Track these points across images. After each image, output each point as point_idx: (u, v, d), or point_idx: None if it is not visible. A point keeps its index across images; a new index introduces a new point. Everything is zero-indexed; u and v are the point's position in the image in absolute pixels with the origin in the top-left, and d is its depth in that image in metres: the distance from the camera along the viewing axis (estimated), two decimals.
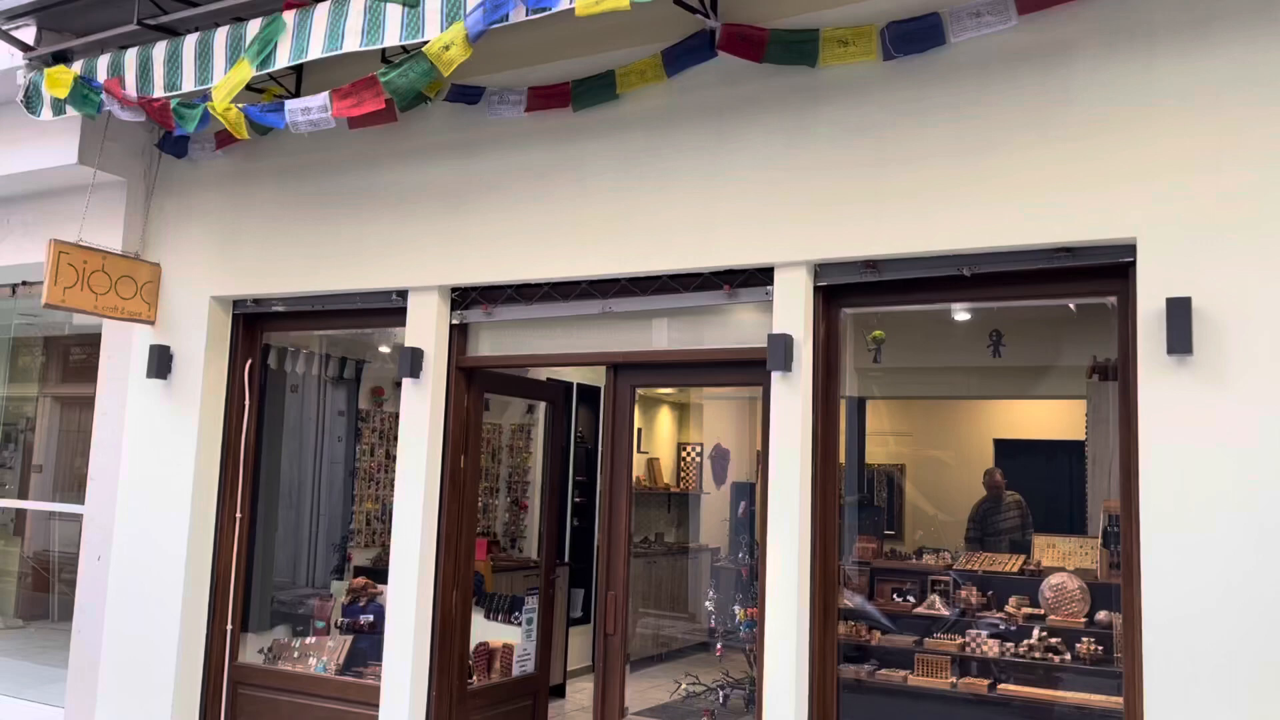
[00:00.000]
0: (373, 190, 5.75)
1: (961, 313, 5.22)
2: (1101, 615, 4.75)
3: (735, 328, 4.98)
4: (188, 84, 4.97)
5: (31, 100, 5.59)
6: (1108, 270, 4.11)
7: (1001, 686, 4.66)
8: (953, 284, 4.42)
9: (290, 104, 4.74)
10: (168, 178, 6.50)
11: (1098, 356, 5.27)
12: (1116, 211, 3.97)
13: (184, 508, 6.09)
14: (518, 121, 5.29)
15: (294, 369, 6.80)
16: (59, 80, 5.37)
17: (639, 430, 7.45)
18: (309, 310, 6.14)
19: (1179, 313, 3.76)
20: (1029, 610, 4.93)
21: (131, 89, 5.15)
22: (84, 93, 5.29)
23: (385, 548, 6.71)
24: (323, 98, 4.67)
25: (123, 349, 6.52)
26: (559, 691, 7.67)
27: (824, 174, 4.55)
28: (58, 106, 5.47)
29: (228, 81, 4.72)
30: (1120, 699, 4.03)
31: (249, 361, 6.36)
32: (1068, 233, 4.04)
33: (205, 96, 5.00)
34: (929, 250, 4.32)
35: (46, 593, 7.90)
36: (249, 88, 5.26)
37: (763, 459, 4.68)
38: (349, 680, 5.86)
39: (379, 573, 6.54)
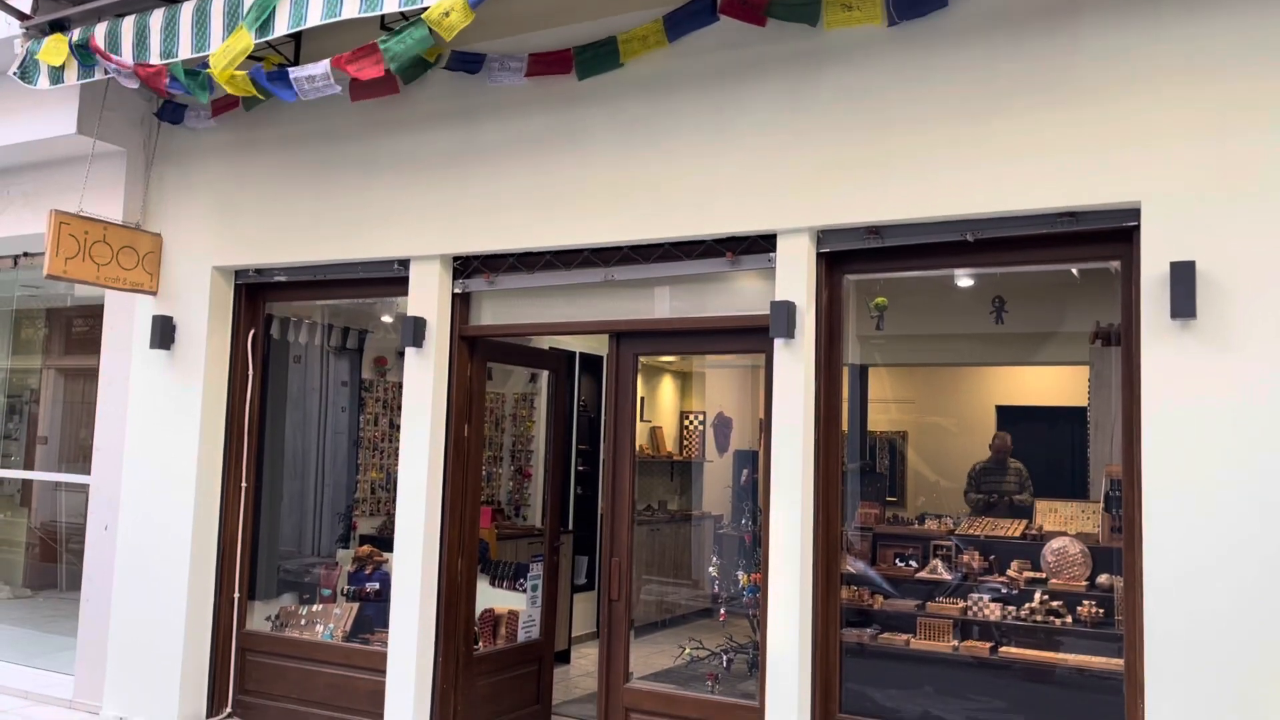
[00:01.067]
0: (373, 158, 5.73)
1: (964, 279, 5.21)
2: (1103, 579, 4.78)
3: (738, 295, 4.97)
4: (184, 51, 4.93)
5: (28, 70, 5.56)
6: (1112, 235, 4.10)
7: (1003, 649, 4.70)
8: (956, 249, 4.41)
9: (294, 72, 4.72)
10: (167, 147, 6.48)
11: (1101, 322, 5.26)
12: (1121, 176, 3.95)
13: (189, 477, 6.12)
14: (518, 89, 5.25)
15: (297, 339, 6.81)
16: (56, 49, 5.33)
17: (641, 399, 7.47)
18: (311, 280, 6.13)
19: (1183, 277, 3.75)
20: (1030, 574, 4.96)
21: (128, 56, 5.11)
22: (81, 57, 5.26)
23: (390, 516, 6.75)
24: (324, 65, 4.64)
25: (125, 320, 6.53)
26: (564, 657, 7.73)
27: (827, 139, 4.53)
28: (54, 75, 5.44)
29: (227, 51, 4.68)
30: (1121, 661, 4.06)
31: (252, 331, 6.37)
32: (1072, 197, 4.03)
33: (204, 64, 4.96)
34: (932, 216, 4.30)
35: (54, 563, 7.96)
36: (248, 56, 5.22)
37: (765, 427, 4.69)
38: (356, 647, 5.92)
39: (384, 541, 6.58)
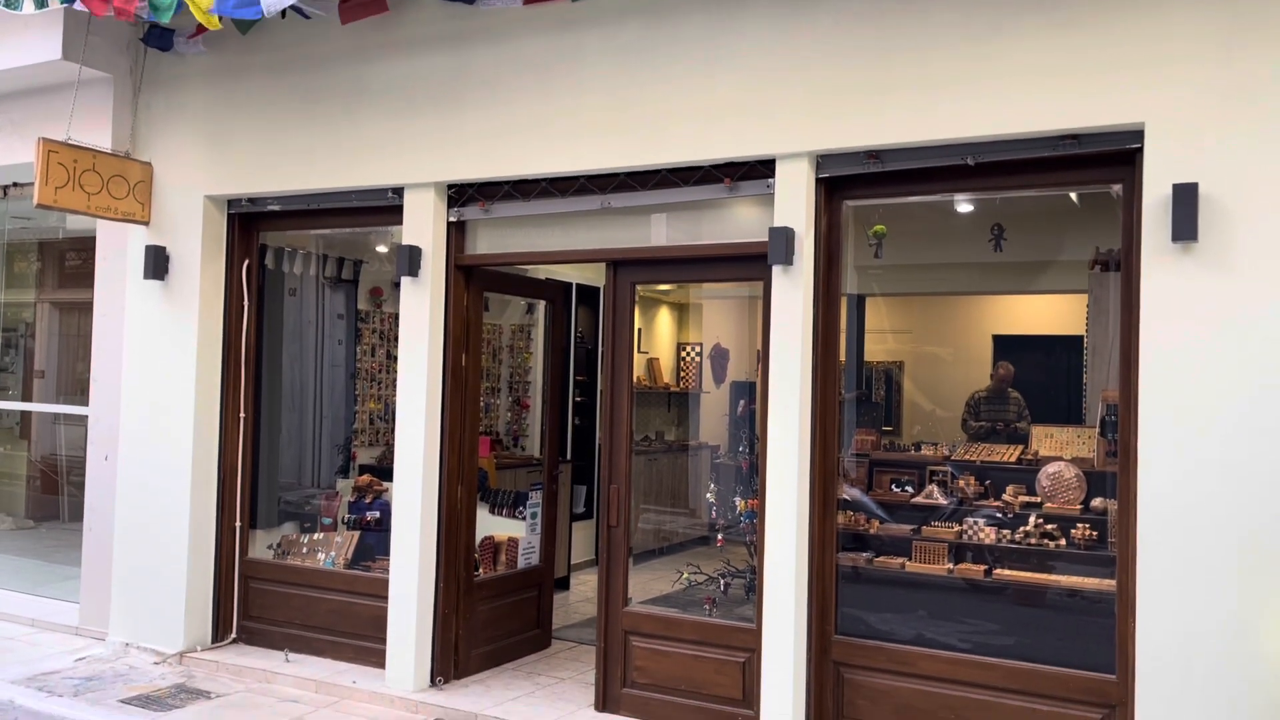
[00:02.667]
0: (365, 84, 5.63)
1: (964, 204, 5.16)
2: (1097, 502, 4.81)
3: (736, 222, 4.93)
4: None
5: None
6: (1114, 157, 4.06)
7: (997, 572, 4.76)
8: (956, 174, 4.37)
9: None
10: (155, 73, 6.35)
11: (1100, 248, 5.23)
12: (1124, 97, 3.90)
13: (188, 408, 6.12)
14: (513, 10, 5.14)
15: (292, 269, 6.76)
16: None
17: (639, 330, 7.47)
18: (305, 209, 6.06)
19: (1185, 199, 3.72)
20: (1026, 498, 5.00)
21: None
22: None
23: (389, 446, 6.78)
24: None
25: (118, 251, 6.47)
26: (563, 584, 7.82)
27: (826, 61, 4.45)
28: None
29: None
30: (1113, 582, 4.12)
31: (246, 262, 6.32)
32: (1075, 119, 3.98)
33: None
34: (933, 139, 4.25)
35: (55, 495, 8.01)
36: None
37: (762, 357, 4.69)
38: (357, 574, 5.99)
39: (384, 471, 6.62)
